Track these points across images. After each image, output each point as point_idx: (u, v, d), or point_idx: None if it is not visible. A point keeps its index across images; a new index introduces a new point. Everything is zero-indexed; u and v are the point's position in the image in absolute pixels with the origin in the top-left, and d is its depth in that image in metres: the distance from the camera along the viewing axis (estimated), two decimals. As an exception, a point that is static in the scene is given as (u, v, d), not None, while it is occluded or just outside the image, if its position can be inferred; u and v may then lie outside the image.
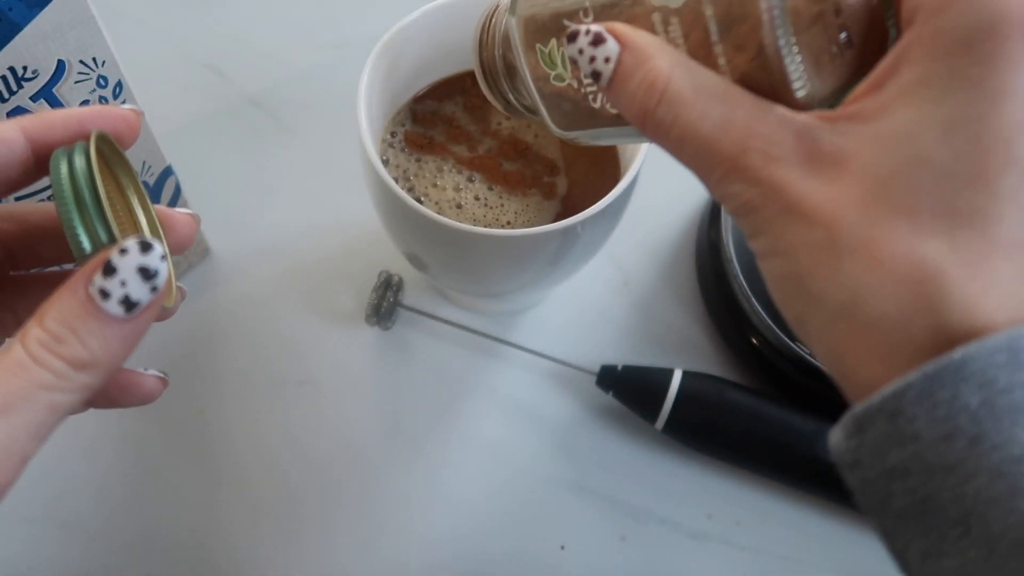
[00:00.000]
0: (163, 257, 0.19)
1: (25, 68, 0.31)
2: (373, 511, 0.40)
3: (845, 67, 0.20)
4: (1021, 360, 0.16)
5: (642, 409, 0.40)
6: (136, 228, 0.22)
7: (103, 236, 0.19)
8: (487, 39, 0.26)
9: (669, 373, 0.40)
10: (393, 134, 0.39)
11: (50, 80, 0.32)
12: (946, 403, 0.16)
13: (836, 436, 0.18)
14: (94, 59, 0.34)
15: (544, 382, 0.43)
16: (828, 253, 0.18)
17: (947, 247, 0.17)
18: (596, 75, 0.21)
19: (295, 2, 0.54)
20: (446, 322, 0.43)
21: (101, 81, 0.35)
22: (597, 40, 0.21)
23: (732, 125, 0.19)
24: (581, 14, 0.22)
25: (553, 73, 0.23)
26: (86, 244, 0.19)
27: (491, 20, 0.26)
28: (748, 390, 0.40)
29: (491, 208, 0.37)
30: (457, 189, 0.37)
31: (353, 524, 0.39)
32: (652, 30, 0.21)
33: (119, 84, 0.36)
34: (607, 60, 0.20)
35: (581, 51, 0.21)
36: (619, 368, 0.40)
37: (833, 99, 0.20)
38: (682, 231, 0.48)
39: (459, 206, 0.37)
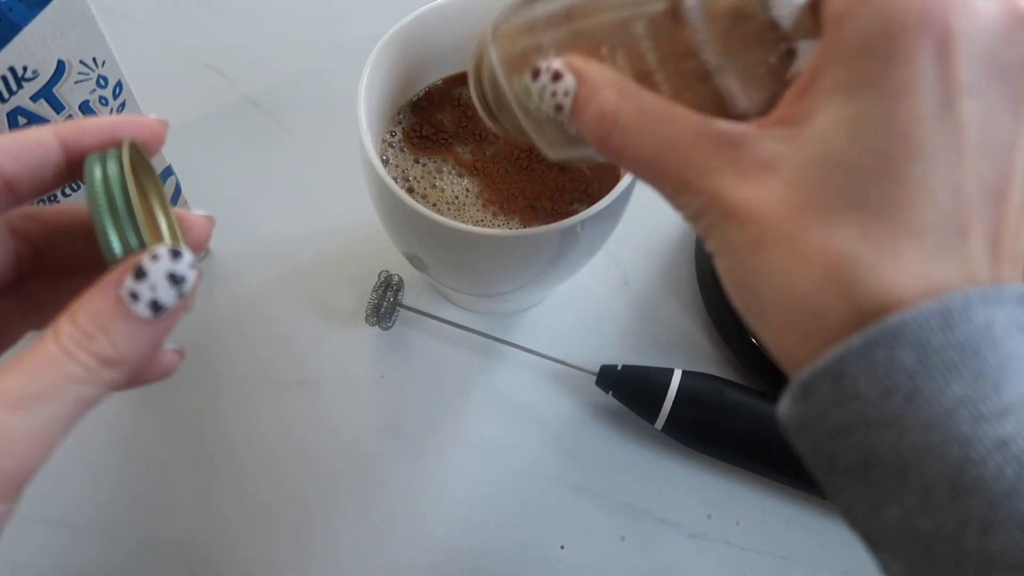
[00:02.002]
0: (191, 265, 0.20)
1: (25, 68, 0.31)
2: (373, 511, 0.40)
3: (780, 76, 0.22)
4: (952, 322, 0.17)
5: (642, 409, 0.40)
6: (158, 234, 0.23)
7: (133, 241, 0.20)
8: (479, 73, 0.28)
9: (669, 373, 0.40)
10: (393, 134, 0.39)
11: (50, 80, 0.32)
12: (884, 363, 0.17)
13: (784, 404, 0.20)
14: (94, 59, 0.34)
15: (544, 382, 0.43)
16: (758, 249, 0.20)
17: (858, 235, 0.18)
18: (559, 108, 0.23)
19: (295, 3, 0.55)
20: (446, 322, 0.43)
21: (101, 81, 0.35)
22: (556, 76, 0.23)
23: (675, 145, 0.21)
24: (546, 51, 0.24)
25: (533, 105, 0.24)
26: (117, 248, 0.20)
27: (481, 55, 0.28)
28: (748, 390, 0.40)
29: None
30: (456, 189, 0.37)
31: (353, 524, 0.39)
32: (603, 61, 0.23)
33: (119, 84, 0.36)
34: (566, 94, 0.23)
35: (543, 87, 0.23)
36: (619, 368, 0.40)
37: (771, 105, 0.22)
38: (682, 231, 0.48)
39: (458, 206, 0.37)
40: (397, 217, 0.34)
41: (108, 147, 0.22)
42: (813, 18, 0.21)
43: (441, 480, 0.41)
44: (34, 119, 0.32)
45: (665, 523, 0.40)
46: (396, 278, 0.42)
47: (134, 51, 0.39)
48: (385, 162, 0.38)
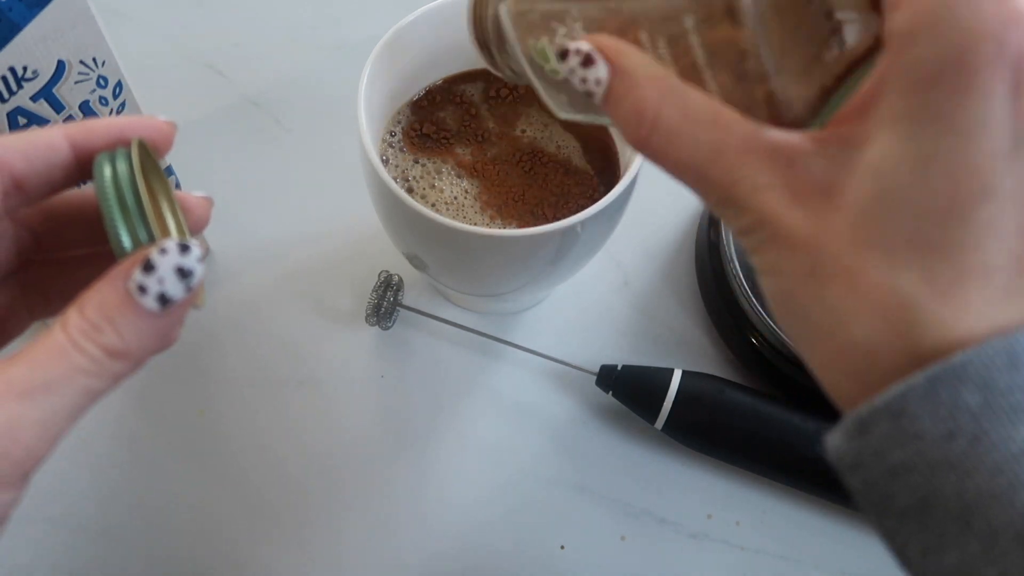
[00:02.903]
0: (199, 259, 0.20)
1: (25, 68, 0.31)
2: (373, 510, 0.40)
3: (832, 71, 0.20)
4: (1018, 363, 0.17)
5: (642, 409, 0.40)
6: (166, 231, 0.23)
7: (143, 236, 0.21)
8: (481, 10, 0.26)
9: (669, 373, 0.40)
10: (393, 134, 0.39)
11: (50, 80, 0.32)
12: (948, 403, 0.17)
13: (836, 439, 0.19)
14: (94, 59, 0.34)
15: (544, 382, 0.43)
16: (812, 279, 0.19)
17: (921, 278, 0.18)
18: (589, 94, 0.21)
19: (295, 2, 0.54)
20: (446, 322, 0.43)
21: (101, 81, 0.35)
22: (587, 61, 0.21)
23: (723, 155, 0.19)
24: (569, 19, 0.22)
25: (547, 67, 0.22)
26: (127, 242, 0.21)
27: None
28: (748, 390, 0.40)
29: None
30: (455, 190, 0.37)
31: (353, 523, 0.39)
32: (641, 47, 0.21)
33: (119, 84, 0.36)
34: (598, 83, 0.21)
35: (572, 71, 0.21)
36: (619, 368, 0.40)
37: (825, 111, 0.20)
38: (682, 231, 0.48)
39: (457, 207, 0.37)
40: (397, 217, 0.34)
41: (117, 147, 0.22)
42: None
43: (441, 480, 0.41)
44: (34, 119, 0.32)
45: (665, 523, 0.40)
46: (396, 278, 0.42)
47: (134, 51, 0.39)
48: (385, 162, 0.38)
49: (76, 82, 0.33)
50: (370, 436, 0.41)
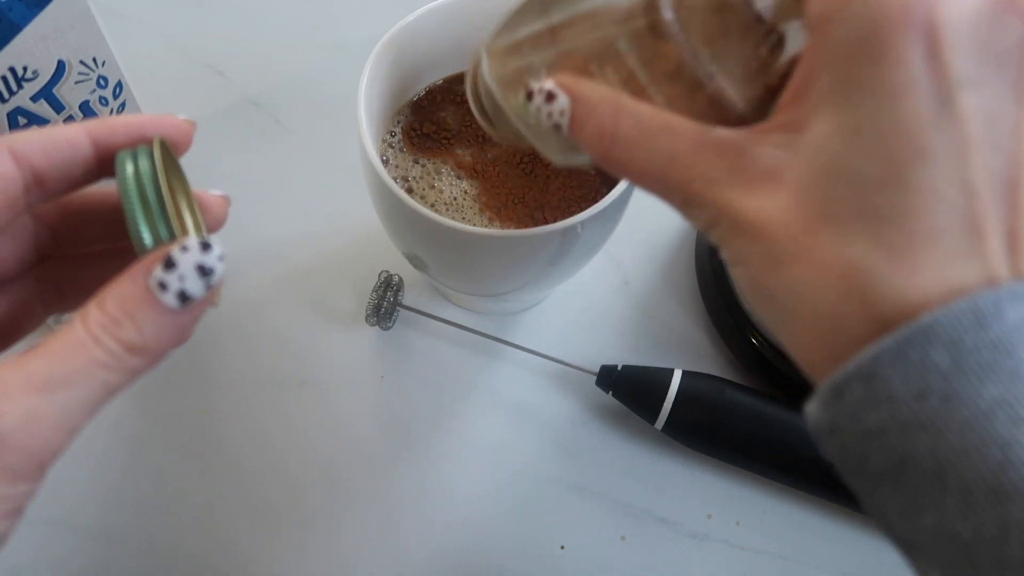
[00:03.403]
0: (220, 258, 0.21)
1: (25, 68, 0.31)
2: (373, 510, 0.40)
3: (772, 68, 0.21)
4: (984, 323, 0.17)
5: (642, 409, 0.40)
6: (185, 229, 0.24)
7: (164, 233, 0.21)
8: (476, 86, 0.28)
9: (669, 373, 0.40)
10: (393, 134, 0.39)
11: (50, 80, 0.32)
12: (917, 364, 0.17)
13: (813, 407, 0.19)
14: (94, 59, 0.34)
15: (544, 382, 0.43)
16: (771, 261, 0.19)
17: (872, 245, 0.18)
18: (557, 127, 0.23)
19: (295, 2, 0.54)
20: (446, 322, 0.43)
21: (101, 81, 0.35)
22: (549, 97, 0.23)
23: (677, 158, 0.21)
24: (535, 70, 0.24)
25: (531, 121, 0.24)
26: (148, 239, 0.21)
27: (475, 70, 0.28)
28: (748, 390, 0.40)
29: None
30: (455, 191, 0.37)
31: (354, 523, 0.39)
32: (594, 78, 0.23)
33: (119, 84, 0.36)
34: (562, 113, 0.23)
35: (539, 108, 0.23)
36: (619, 368, 0.40)
37: (769, 104, 0.21)
38: (682, 231, 0.48)
39: (456, 208, 0.37)
40: (397, 217, 0.34)
41: (137, 144, 0.22)
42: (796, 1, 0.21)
43: (441, 479, 0.41)
44: (34, 119, 0.32)
45: (665, 523, 0.40)
46: (396, 278, 0.42)
47: (134, 51, 0.39)
48: (385, 162, 0.38)
49: (76, 82, 0.33)
50: (370, 436, 0.41)
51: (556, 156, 0.26)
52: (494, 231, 0.32)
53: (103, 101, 0.35)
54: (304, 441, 0.41)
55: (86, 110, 0.35)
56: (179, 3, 0.54)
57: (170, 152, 0.23)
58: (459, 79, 0.40)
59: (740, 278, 0.21)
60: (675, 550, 0.40)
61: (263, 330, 0.44)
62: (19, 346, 0.24)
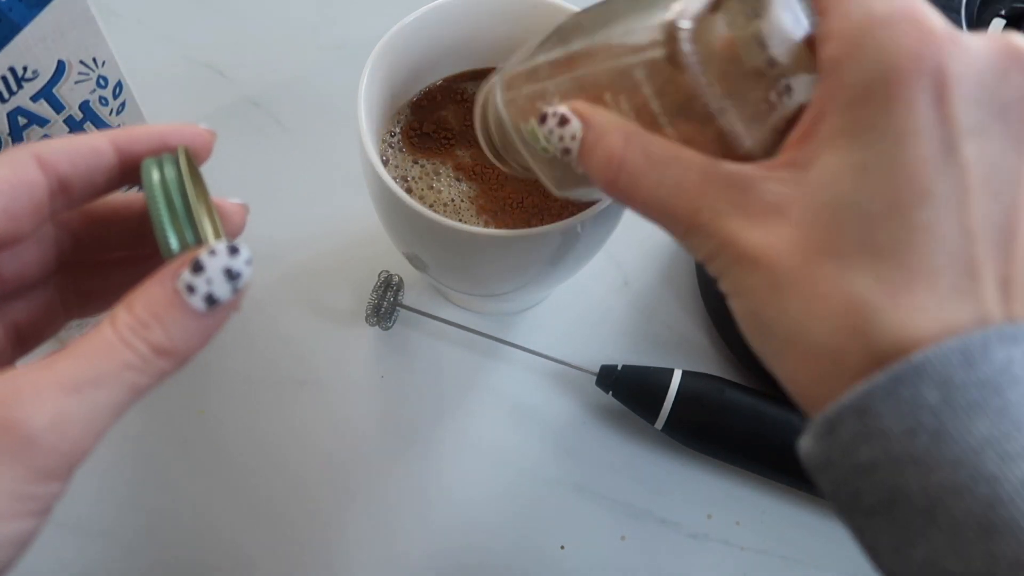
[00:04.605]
0: (248, 261, 0.21)
1: (25, 68, 0.31)
2: (373, 510, 0.40)
3: (781, 112, 0.22)
4: (973, 361, 0.17)
5: (642, 409, 0.40)
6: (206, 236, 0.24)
7: (190, 238, 0.21)
8: (486, 117, 0.29)
9: (669, 373, 0.40)
10: (393, 134, 0.39)
11: (50, 80, 0.32)
12: (908, 400, 0.18)
13: (806, 442, 0.20)
14: (94, 59, 0.34)
15: (544, 382, 0.43)
16: (773, 292, 0.20)
17: (871, 279, 0.19)
18: (566, 151, 0.23)
19: (295, 3, 0.55)
20: (446, 322, 0.43)
21: (101, 81, 0.35)
22: (562, 121, 0.23)
23: (684, 189, 0.21)
24: (548, 95, 0.25)
25: (539, 147, 0.25)
26: (174, 244, 0.21)
27: (486, 100, 0.28)
28: (748, 390, 0.40)
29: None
30: (453, 192, 0.37)
31: (354, 523, 0.39)
32: (607, 107, 0.23)
33: (119, 84, 0.36)
34: (573, 138, 0.23)
35: (551, 131, 0.23)
36: (619, 368, 0.40)
37: (774, 146, 0.22)
38: (682, 231, 0.48)
39: (453, 209, 0.37)
40: (397, 217, 0.34)
41: (161, 153, 0.23)
42: (810, 53, 0.21)
43: (441, 479, 0.41)
44: (34, 119, 0.32)
45: (665, 523, 0.40)
46: (396, 278, 0.42)
47: (134, 51, 0.39)
48: (385, 162, 0.38)
49: (76, 82, 0.33)
50: (370, 436, 0.41)
51: (557, 186, 0.27)
52: (494, 231, 0.32)
53: (103, 101, 0.35)
54: (304, 441, 0.41)
55: (86, 110, 0.35)
56: (179, 3, 0.54)
57: (192, 161, 0.23)
58: (459, 79, 0.40)
59: (739, 310, 0.21)
60: (675, 550, 0.40)
61: (263, 330, 0.44)
62: (38, 351, 0.24)
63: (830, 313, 0.19)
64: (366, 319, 0.42)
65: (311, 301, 0.44)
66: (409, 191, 0.37)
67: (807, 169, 0.20)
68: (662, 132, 0.22)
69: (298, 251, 0.46)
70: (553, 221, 0.37)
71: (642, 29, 0.22)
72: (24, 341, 0.25)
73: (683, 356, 0.44)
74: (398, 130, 0.39)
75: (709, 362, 0.44)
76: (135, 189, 0.23)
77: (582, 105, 0.23)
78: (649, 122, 0.22)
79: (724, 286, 0.21)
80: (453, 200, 0.37)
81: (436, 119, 0.39)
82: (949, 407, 0.17)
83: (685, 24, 0.21)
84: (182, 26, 0.53)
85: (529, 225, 0.37)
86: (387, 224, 0.36)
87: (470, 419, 0.42)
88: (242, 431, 0.41)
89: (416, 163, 0.38)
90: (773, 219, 0.20)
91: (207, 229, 0.23)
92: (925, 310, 0.18)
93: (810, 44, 0.22)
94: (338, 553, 0.39)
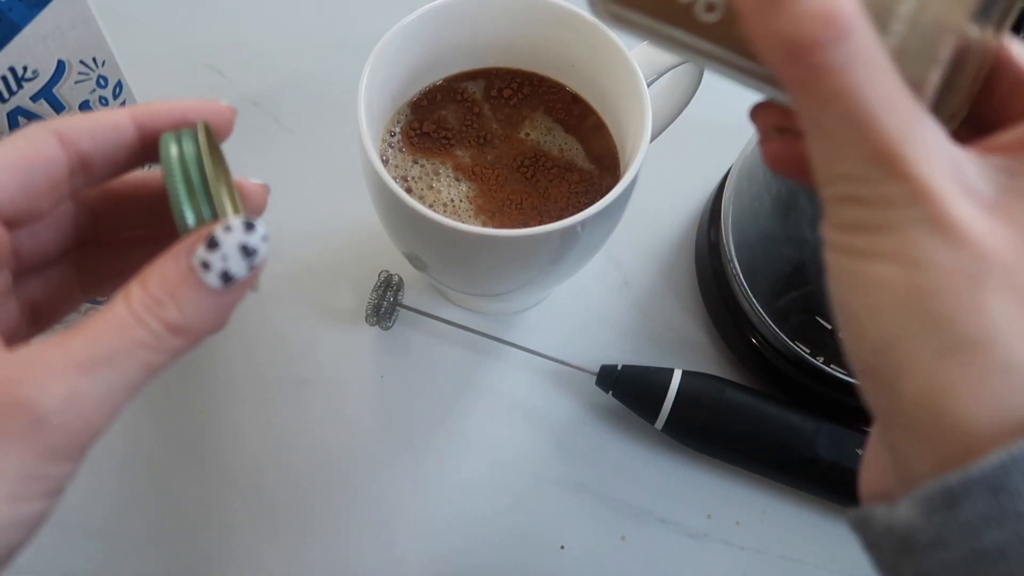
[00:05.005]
0: (264, 238, 0.21)
1: (25, 68, 0.31)
2: (374, 510, 0.40)
3: (967, 96, 0.19)
4: None
5: (642, 409, 0.40)
6: (226, 213, 0.23)
7: (207, 213, 0.21)
8: None
9: (669, 373, 0.40)
10: (393, 134, 0.39)
11: (50, 80, 0.32)
12: None
13: (908, 512, 0.16)
14: (94, 59, 0.34)
15: (544, 382, 0.43)
16: (973, 282, 0.16)
17: None
18: None
19: (295, 2, 0.54)
20: (446, 322, 0.43)
21: (101, 81, 0.35)
22: None
23: (898, 108, 0.17)
24: None
25: None
26: (191, 219, 0.21)
27: None
28: (748, 390, 0.40)
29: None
30: (452, 193, 0.37)
31: (354, 523, 0.39)
32: None
33: (119, 84, 0.36)
34: None
35: None
36: (619, 368, 0.40)
37: (948, 123, 0.19)
38: (682, 231, 0.48)
39: (452, 210, 0.37)
40: (397, 217, 0.34)
41: (181, 128, 0.22)
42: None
43: (441, 479, 0.41)
44: (34, 119, 0.32)
45: (665, 523, 0.40)
46: (396, 278, 0.42)
47: (134, 51, 0.39)
48: (385, 162, 0.38)
49: (76, 82, 0.33)
50: (370, 436, 0.41)
51: (623, 4, 0.19)
52: (494, 231, 0.32)
53: (103, 101, 0.35)
54: (304, 441, 0.41)
55: (86, 110, 0.35)
56: (179, 3, 0.54)
57: (213, 137, 0.23)
58: (459, 79, 0.40)
59: (891, 278, 0.17)
60: (675, 550, 0.40)
61: (263, 330, 0.44)
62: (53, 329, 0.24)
63: None
64: (366, 319, 0.42)
65: (311, 301, 0.44)
66: (409, 191, 0.37)
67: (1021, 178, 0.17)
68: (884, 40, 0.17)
69: (298, 251, 0.46)
70: (552, 222, 0.37)
71: None
72: (40, 319, 0.25)
73: (683, 356, 0.44)
74: (398, 130, 0.39)
75: (709, 362, 0.44)
76: (156, 167, 0.23)
77: None
78: (877, 14, 0.17)
79: (880, 243, 0.17)
80: (452, 200, 0.37)
81: (436, 119, 0.39)
82: None
83: None
84: (182, 26, 0.53)
85: (528, 226, 0.37)
86: (387, 224, 0.36)
87: (470, 419, 0.42)
88: (242, 431, 0.41)
89: (416, 163, 0.38)
90: (986, 208, 0.17)
91: (226, 205, 0.23)
92: None
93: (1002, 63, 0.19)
94: (338, 551, 0.39)
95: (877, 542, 0.17)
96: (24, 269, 0.24)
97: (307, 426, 0.41)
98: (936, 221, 0.16)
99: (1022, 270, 0.16)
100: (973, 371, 0.16)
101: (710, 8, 0.18)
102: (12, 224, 0.22)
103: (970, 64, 0.18)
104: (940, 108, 0.18)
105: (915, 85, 0.17)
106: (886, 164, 0.16)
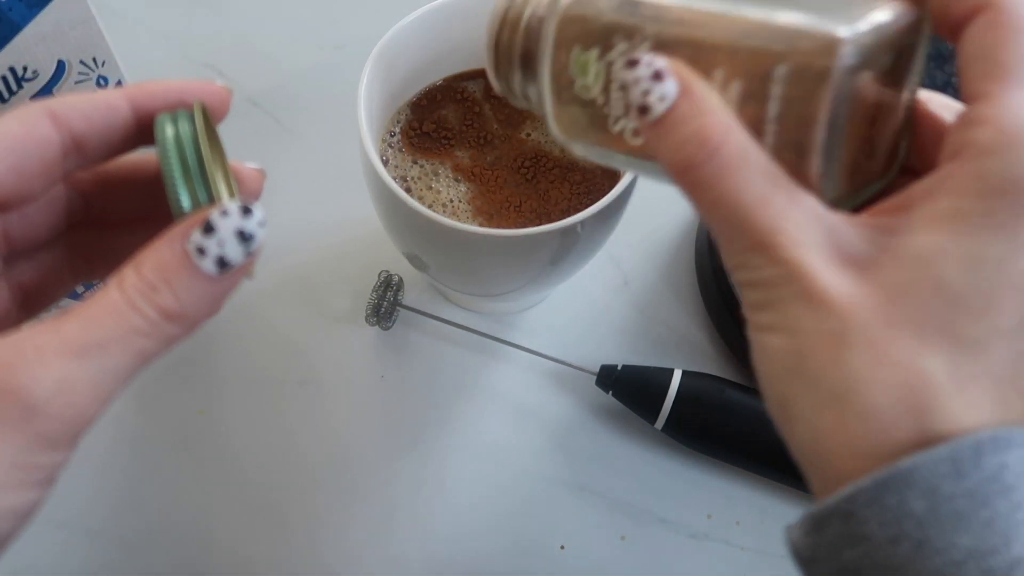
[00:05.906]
0: (261, 223, 0.20)
1: (25, 68, 0.31)
2: (373, 510, 0.40)
3: (867, 175, 0.21)
4: (962, 471, 0.17)
5: (642, 409, 0.40)
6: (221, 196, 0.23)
7: (203, 197, 0.20)
8: (509, 19, 0.24)
9: (669, 373, 0.40)
10: (393, 134, 0.39)
11: (50, 80, 0.32)
12: (893, 508, 0.17)
13: (795, 533, 0.19)
14: (94, 59, 0.34)
15: (544, 382, 0.43)
16: (836, 342, 0.18)
17: (945, 365, 0.18)
18: (644, 109, 0.20)
19: (295, 2, 0.54)
20: (446, 322, 0.43)
21: (101, 81, 0.35)
22: (657, 76, 0.20)
23: (770, 203, 0.19)
24: (639, 37, 0.21)
25: (579, 82, 0.22)
26: (186, 202, 0.20)
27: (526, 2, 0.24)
28: (748, 390, 0.40)
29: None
30: (451, 193, 0.37)
31: (354, 523, 0.39)
32: (709, 83, 0.20)
33: (119, 84, 0.36)
34: (661, 99, 0.20)
35: (637, 80, 0.20)
36: (619, 368, 0.40)
37: (849, 202, 0.21)
38: (682, 231, 0.48)
39: (451, 210, 0.37)
40: (397, 217, 0.34)
41: (177, 109, 0.22)
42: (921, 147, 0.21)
43: (441, 480, 0.41)
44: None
45: (665, 523, 0.40)
46: (396, 278, 0.42)
47: (134, 51, 0.39)
48: (385, 162, 0.38)
49: (76, 82, 0.33)
50: (370, 436, 0.41)
51: (560, 131, 0.23)
52: (494, 231, 0.32)
53: (103, 101, 0.35)
54: (303, 441, 0.41)
55: (86, 110, 0.35)
56: (179, 3, 0.54)
57: (209, 119, 0.22)
58: (459, 79, 0.40)
59: (779, 347, 0.20)
60: (675, 550, 0.40)
61: (262, 330, 0.44)
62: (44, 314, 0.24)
63: (896, 382, 0.18)
64: (366, 319, 0.42)
65: (311, 301, 0.44)
66: (408, 191, 0.37)
67: (897, 237, 0.19)
68: (757, 140, 0.20)
69: (298, 251, 0.46)
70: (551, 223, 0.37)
71: (818, 25, 0.19)
72: (30, 303, 0.24)
73: (683, 356, 0.44)
74: (398, 130, 0.39)
75: (709, 362, 0.44)
76: (152, 150, 0.22)
77: (683, 68, 0.20)
78: (750, 124, 0.20)
79: (765, 317, 0.20)
80: (451, 201, 0.37)
81: (436, 119, 0.39)
82: (934, 518, 0.17)
83: (864, 45, 0.19)
84: (182, 26, 0.53)
85: (527, 227, 0.37)
86: (387, 224, 0.36)
87: (470, 419, 0.42)
88: (242, 431, 0.41)
89: (416, 163, 0.38)
90: (855, 272, 0.19)
91: (221, 189, 0.22)
92: (980, 410, 0.18)
93: (918, 117, 0.21)
94: (338, 551, 0.39)
95: (792, 558, 0.20)
96: (15, 252, 0.23)
97: (307, 426, 0.41)
98: (806, 294, 0.19)
99: (876, 325, 0.18)
100: (840, 419, 0.18)
101: (636, 133, 0.22)
102: (3, 206, 0.21)
103: (851, 140, 0.20)
104: (827, 186, 0.20)
105: (798, 172, 0.20)
106: (764, 252, 0.19)
